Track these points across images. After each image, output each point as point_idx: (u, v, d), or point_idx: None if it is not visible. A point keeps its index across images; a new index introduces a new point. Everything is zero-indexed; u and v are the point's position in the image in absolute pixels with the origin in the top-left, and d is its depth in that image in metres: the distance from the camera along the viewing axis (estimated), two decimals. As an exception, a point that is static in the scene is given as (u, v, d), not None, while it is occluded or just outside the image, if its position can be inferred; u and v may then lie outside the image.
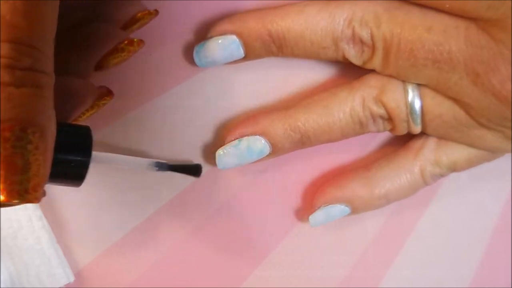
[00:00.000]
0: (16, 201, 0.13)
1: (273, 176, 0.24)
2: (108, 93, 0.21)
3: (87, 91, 0.19)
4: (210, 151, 0.23)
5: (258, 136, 0.22)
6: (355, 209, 0.23)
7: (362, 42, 0.20)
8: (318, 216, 0.23)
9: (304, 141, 0.22)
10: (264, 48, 0.22)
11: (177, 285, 0.22)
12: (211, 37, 0.22)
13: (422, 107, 0.21)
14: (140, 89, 0.23)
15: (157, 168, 0.21)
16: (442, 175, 0.23)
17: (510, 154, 0.25)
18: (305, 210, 0.24)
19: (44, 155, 0.14)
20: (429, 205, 0.25)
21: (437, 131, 0.22)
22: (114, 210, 0.22)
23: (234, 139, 0.22)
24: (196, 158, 0.23)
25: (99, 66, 0.20)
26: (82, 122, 0.21)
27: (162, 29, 0.24)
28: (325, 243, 0.24)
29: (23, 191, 0.14)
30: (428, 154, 0.22)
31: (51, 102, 0.15)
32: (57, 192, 0.22)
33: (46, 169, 0.14)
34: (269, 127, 0.22)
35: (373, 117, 0.22)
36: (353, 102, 0.21)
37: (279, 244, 0.24)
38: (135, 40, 0.21)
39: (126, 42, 0.21)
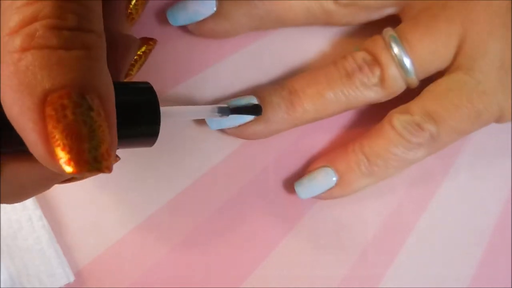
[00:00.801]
0: (86, 171, 0.12)
1: (273, 175, 0.24)
2: (149, 39, 0.21)
3: (128, 40, 0.18)
4: (210, 151, 0.23)
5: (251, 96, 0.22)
6: (338, 170, 0.22)
7: None
8: (302, 180, 0.23)
9: (291, 91, 0.22)
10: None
11: (177, 285, 0.22)
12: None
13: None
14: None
15: (220, 113, 0.20)
16: (415, 123, 0.21)
17: (510, 153, 0.25)
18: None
19: (108, 120, 0.13)
20: (429, 205, 0.25)
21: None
22: (114, 210, 0.22)
23: None
24: (196, 158, 0.23)
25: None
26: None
27: (162, 29, 0.24)
28: (325, 243, 0.24)
29: (93, 160, 0.12)
30: (398, 109, 0.22)
31: (105, 63, 0.13)
32: (57, 192, 0.22)
33: (113, 134, 0.13)
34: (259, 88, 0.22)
35: (356, 61, 0.22)
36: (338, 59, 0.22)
37: (279, 244, 0.24)
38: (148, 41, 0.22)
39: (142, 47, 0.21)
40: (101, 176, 0.22)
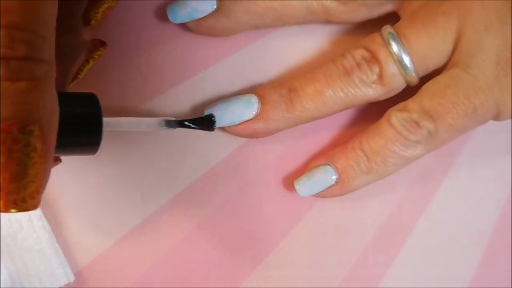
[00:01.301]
0: (13, 210, 0.12)
1: (273, 175, 0.24)
2: (101, 43, 0.21)
3: (78, 44, 0.18)
4: (210, 151, 0.23)
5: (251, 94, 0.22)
6: (337, 168, 0.22)
7: None
8: (302, 178, 0.23)
9: (290, 89, 0.22)
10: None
11: (177, 285, 0.22)
12: None
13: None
14: (140, 89, 0.23)
15: (167, 126, 0.20)
16: (413, 120, 0.21)
17: (510, 153, 0.25)
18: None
19: (44, 157, 0.13)
20: (429, 205, 0.25)
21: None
22: (114, 210, 0.22)
23: None
24: (196, 158, 0.23)
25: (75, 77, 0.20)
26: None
27: (161, 29, 0.24)
28: (325, 243, 0.24)
29: (20, 200, 0.12)
30: (396, 107, 0.22)
31: (53, 93, 0.13)
32: (57, 192, 0.22)
33: (46, 172, 0.13)
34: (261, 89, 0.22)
35: (355, 58, 0.22)
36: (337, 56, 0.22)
37: (279, 244, 0.24)
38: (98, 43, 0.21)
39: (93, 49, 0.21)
40: (100, 176, 0.22)
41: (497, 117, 0.22)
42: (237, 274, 0.23)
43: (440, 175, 0.25)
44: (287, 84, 0.22)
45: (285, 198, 0.24)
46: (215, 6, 0.22)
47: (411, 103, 0.22)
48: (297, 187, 0.23)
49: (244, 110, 0.22)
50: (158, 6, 0.24)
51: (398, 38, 0.21)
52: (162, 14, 0.24)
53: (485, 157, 0.26)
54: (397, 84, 0.22)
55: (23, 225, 0.21)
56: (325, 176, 0.22)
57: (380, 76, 0.21)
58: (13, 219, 0.21)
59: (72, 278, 0.22)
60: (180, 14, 0.23)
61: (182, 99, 0.23)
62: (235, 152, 0.24)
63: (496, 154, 0.26)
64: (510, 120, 0.23)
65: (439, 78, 0.22)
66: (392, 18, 0.23)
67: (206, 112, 0.22)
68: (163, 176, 0.23)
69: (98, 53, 0.21)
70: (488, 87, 0.21)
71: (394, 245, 0.24)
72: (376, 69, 0.21)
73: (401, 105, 0.22)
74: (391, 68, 0.21)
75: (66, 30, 0.18)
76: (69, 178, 0.22)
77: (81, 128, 0.16)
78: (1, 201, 0.12)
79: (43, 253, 0.21)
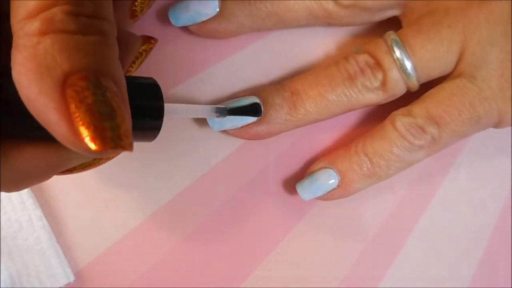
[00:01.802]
0: (110, 149, 0.12)
1: (273, 176, 0.24)
2: (150, 38, 0.21)
3: (132, 37, 0.19)
4: (210, 152, 0.23)
5: (253, 97, 0.22)
6: (339, 171, 0.22)
7: None
8: (304, 182, 0.23)
9: (293, 92, 0.22)
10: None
11: (177, 285, 0.22)
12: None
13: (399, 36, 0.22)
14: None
15: (218, 114, 0.20)
16: (418, 125, 0.22)
17: (510, 153, 0.25)
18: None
19: (125, 102, 0.13)
20: (429, 205, 0.25)
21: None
22: (114, 210, 0.22)
23: None
24: (196, 158, 0.23)
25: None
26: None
27: (161, 29, 0.24)
28: (325, 243, 0.24)
29: (116, 137, 0.12)
30: (400, 111, 0.22)
31: (117, 51, 0.14)
32: (57, 192, 0.22)
33: (129, 116, 0.13)
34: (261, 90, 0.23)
35: (359, 64, 0.22)
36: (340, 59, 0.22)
37: (279, 244, 0.24)
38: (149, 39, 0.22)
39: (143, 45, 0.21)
40: (100, 176, 0.22)
41: (497, 125, 0.23)
42: (237, 274, 0.23)
43: (440, 175, 0.25)
44: (290, 87, 0.22)
45: (285, 198, 0.24)
46: (218, 9, 0.22)
47: (416, 108, 0.22)
48: (299, 191, 0.23)
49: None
50: (158, 7, 0.24)
51: (403, 46, 0.21)
52: (163, 14, 0.24)
53: (485, 157, 0.26)
54: (399, 90, 0.22)
55: (23, 225, 0.21)
56: (327, 180, 0.22)
57: (383, 82, 0.22)
58: (13, 219, 0.21)
59: (72, 278, 0.22)
60: (183, 18, 0.23)
61: (183, 99, 0.23)
62: (235, 153, 0.24)
63: (496, 154, 0.26)
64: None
65: (444, 86, 0.22)
66: (394, 22, 0.24)
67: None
68: (163, 177, 0.23)
69: (150, 45, 0.21)
70: (492, 98, 0.21)
71: (394, 245, 0.24)
72: (379, 76, 0.22)
73: (405, 109, 0.22)
74: (395, 75, 0.22)
75: (117, 23, 0.18)
76: (69, 178, 0.22)
77: (143, 112, 0.16)
78: (98, 140, 0.12)
79: (43, 253, 0.21)
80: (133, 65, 0.20)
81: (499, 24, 0.21)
